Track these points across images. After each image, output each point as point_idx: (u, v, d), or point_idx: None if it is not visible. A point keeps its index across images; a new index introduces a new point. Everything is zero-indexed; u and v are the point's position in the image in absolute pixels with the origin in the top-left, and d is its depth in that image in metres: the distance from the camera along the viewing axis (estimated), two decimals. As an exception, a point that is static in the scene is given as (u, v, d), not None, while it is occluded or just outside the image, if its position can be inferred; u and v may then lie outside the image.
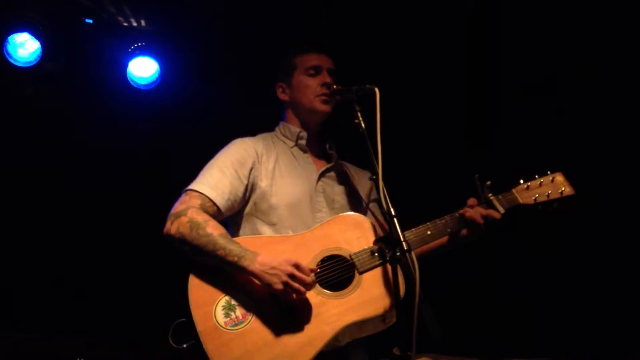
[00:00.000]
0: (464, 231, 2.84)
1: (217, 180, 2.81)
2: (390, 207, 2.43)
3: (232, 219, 2.92)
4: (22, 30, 4.03)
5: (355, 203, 3.05)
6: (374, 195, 3.14)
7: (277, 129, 3.21)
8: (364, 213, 3.03)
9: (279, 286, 2.50)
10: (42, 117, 4.41)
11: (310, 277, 2.55)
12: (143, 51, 4.27)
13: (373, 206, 3.10)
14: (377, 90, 2.57)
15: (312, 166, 3.06)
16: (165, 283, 3.03)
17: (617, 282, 4.37)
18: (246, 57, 4.46)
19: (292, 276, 2.51)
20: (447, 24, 4.32)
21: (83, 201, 4.49)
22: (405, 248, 2.32)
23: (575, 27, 4.20)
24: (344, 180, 3.09)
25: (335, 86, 2.96)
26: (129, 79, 4.29)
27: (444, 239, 2.88)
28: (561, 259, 4.52)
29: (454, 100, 4.57)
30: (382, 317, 2.62)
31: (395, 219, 2.41)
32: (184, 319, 2.55)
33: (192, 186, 2.81)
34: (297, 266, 2.53)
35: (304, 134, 3.09)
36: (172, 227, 2.67)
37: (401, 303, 2.47)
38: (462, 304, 4.45)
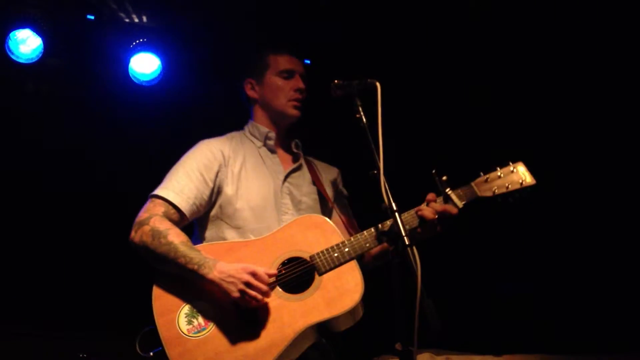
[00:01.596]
0: (418, 229, 2.76)
1: (182, 185, 2.81)
2: (392, 201, 2.41)
3: (198, 221, 2.92)
4: (24, 27, 4.04)
5: (322, 203, 3.05)
6: (341, 191, 3.16)
7: (246, 127, 3.17)
8: (332, 212, 3.04)
9: (236, 294, 2.53)
10: (44, 113, 4.41)
11: (266, 287, 2.55)
12: (145, 47, 4.28)
13: (340, 202, 3.11)
14: (378, 84, 2.56)
15: (279, 167, 3.05)
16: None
17: (614, 278, 4.38)
18: (247, 53, 4.45)
19: (248, 284, 2.53)
20: (447, 22, 4.33)
21: (85, 198, 4.49)
22: (407, 243, 2.30)
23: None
24: (311, 180, 3.09)
25: (336, 81, 2.94)
26: (130, 75, 4.30)
27: None
28: (559, 256, 4.54)
29: (452, 95, 4.58)
30: (348, 314, 2.62)
31: (396, 214, 2.40)
32: (151, 327, 2.60)
33: (157, 191, 2.81)
34: (253, 274, 2.55)
35: (272, 134, 3.07)
36: (136, 235, 2.69)
37: (361, 301, 2.58)
38: (462, 299, 4.46)
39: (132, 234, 2.71)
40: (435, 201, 2.76)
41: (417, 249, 2.29)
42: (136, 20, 4.33)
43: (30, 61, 4.11)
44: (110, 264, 4.44)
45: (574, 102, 4.50)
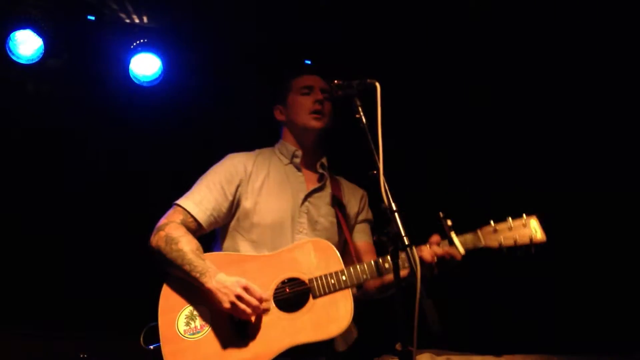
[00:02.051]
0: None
1: (202, 196, 2.96)
2: (392, 202, 2.41)
3: (218, 231, 3.08)
4: (24, 28, 4.04)
5: (339, 226, 3.11)
6: (362, 216, 3.22)
7: (276, 145, 3.29)
8: (344, 238, 3.09)
9: (227, 305, 2.67)
10: (45, 114, 4.41)
11: (256, 302, 2.67)
12: (145, 48, 4.28)
13: (361, 227, 3.20)
14: (378, 85, 2.56)
15: (302, 185, 3.13)
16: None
17: (615, 277, 4.38)
18: (248, 53, 4.47)
19: (239, 297, 2.66)
20: (447, 22, 4.33)
21: (86, 198, 4.50)
22: (407, 243, 2.31)
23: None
24: (332, 201, 3.16)
25: (336, 81, 2.94)
26: (131, 75, 4.30)
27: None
28: (559, 255, 4.53)
29: (452, 95, 4.58)
30: (337, 339, 2.79)
31: (396, 214, 2.40)
32: (155, 323, 2.76)
33: (179, 201, 2.97)
34: (246, 288, 2.68)
35: (299, 152, 3.17)
36: (153, 239, 2.86)
37: (347, 330, 2.71)
38: (462, 300, 4.46)
39: (151, 238, 2.88)
40: (438, 244, 2.81)
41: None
42: (137, 20, 4.33)
43: (30, 62, 4.11)
44: (110, 265, 4.45)
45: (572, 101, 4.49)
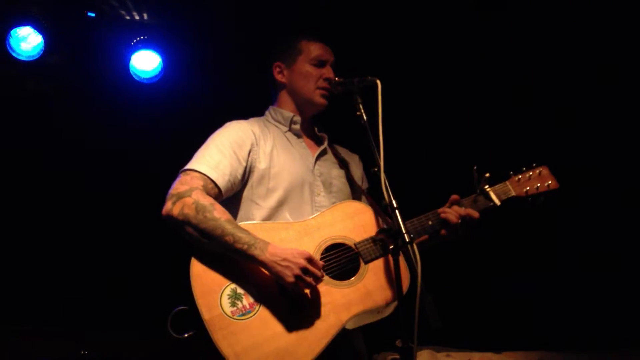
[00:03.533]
0: (442, 231, 2.79)
1: (217, 160, 2.70)
2: (392, 198, 2.42)
3: (227, 200, 2.78)
4: (24, 24, 4.03)
5: (352, 187, 3.02)
6: (365, 184, 3.12)
7: (267, 113, 3.11)
8: (359, 197, 3.01)
9: (291, 279, 2.44)
10: (44, 111, 4.41)
11: (321, 272, 2.49)
12: (145, 44, 4.28)
13: (365, 187, 3.08)
14: (378, 82, 2.56)
15: (306, 150, 3.00)
16: (166, 273, 3.02)
17: (615, 274, 4.39)
18: (248, 50, 4.46)
19: (304, 269, 2.44)
20: (448, 18, 4.32)
21: (84, 195, 4.50)
22: (407, 240, 2.30)
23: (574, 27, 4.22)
24: (339, 163, 3.06)
25: (336, 78, 2.93)
26: (131, 72, 4.30)
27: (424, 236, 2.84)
28: (560, 253, 4.54)
29: (454, 94, 4.58)
30: (384, 307, 2.61)
31: (397, 211, 2.40)
32: (183, 307, 2.48)
33: (192, 166, 2.69)
34: (309, 259, 2.47)
35: (297, 118, 3.02)
36: (175, 208, 2.54)
37: (404, 295, 2.46)
38: (462, 297, 4.46)
39: (169, 205, 2.55)
40: (459, 203, 2.80)
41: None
42: (137, 17, 4.32)
43: (31, 58, 4.10)
44: (112, 262, 4.45)
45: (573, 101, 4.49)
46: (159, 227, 2.71)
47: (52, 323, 4.20)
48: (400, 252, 2.36)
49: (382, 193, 2.42)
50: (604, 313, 4.37)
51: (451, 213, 2.76)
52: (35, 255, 4.41)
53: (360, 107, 2.65)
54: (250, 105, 3.24)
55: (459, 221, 2.74)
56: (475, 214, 2.79)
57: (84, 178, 4.49)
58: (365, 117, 2.61)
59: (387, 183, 2.43)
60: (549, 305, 4.53)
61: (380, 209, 2.76)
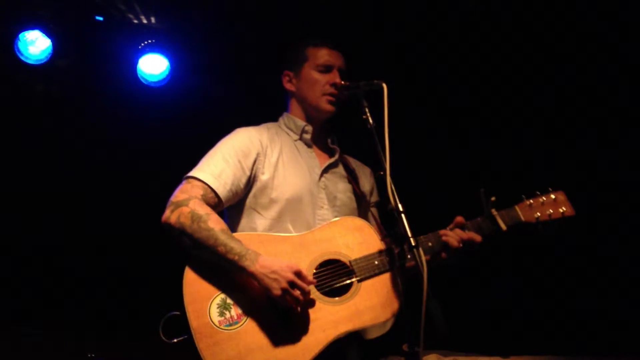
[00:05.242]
0: (442, 254, 2.74)
1: (220, 169, 2.72)
2: (398, 203, 2.41)
3: (231, 210, 2.84)
4: (33, 28, 4.06)
5: (358, 202, 2.99)
6: (374, 197, 3.10)
7: (280, 119, 3.12)
8: (365, 213, 2.99)
9: (278, 292, 2.45)
10: (52, 114, 4.43)
11: (308, 288, 2.49)
12: (153, 48, 4.29)
13: (373, 209, 3.06)
14: (384, 85, 2.55)
15: (315, 161, 2.98)
16: (178, 276, 3.02)
17: (625, 278, 4.36)
18: (254, 55, 4.47)
19: (292, 283, 2.45)
20: (449, 21, 4.32)
21: (93, 198, 4.51)
22: (413, 244, 2.30)
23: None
24: (347, 177, 3.03)
25: (343, 82, 2.92)
26: (139, 76, 4.31)
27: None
28: (568, 256, 4.52)
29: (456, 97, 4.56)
30: (381, 325, 2.60)
31: (402, 215, 2.39)
32: (176, 312, 2.50)
33: (195, 173, 2.72)
34: (298, 274, 2.48)
35: (309, 127, 3.01)
36: (172, 215, 2.59)
37: (399, 314, 2.53)
38: (469, 301, 4.45)
39: (167, 213, 2.60)
40: (462, 227, 2.74)
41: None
42: (144, 21, 4.34)
43: (39, 62, 4.12)
44: (118, 264, 4.46)
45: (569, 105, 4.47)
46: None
47: (59, 326, 4.21)
48: (397, 271, 2.37)
49: (388, 197, 2.41)
50: (613, 317, 4.34)
51: (452, 236, 2.71)
52: (41, 258, 4.42)
53: (367, 110, 2.64)
54: (259, 108, 3.25)
55: (460, 245, 2.70)
56: (478, 239, 2.73)
57: (91, 181, 4.49)
58: (371, 121, 2.60)
59: (393, 187, 2.43)
60: (557, 309, 4.51)
61: (387, 214, 2.69)
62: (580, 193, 2.94)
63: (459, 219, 2.77)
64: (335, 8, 4.22)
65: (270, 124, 3.08)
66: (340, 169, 3.05)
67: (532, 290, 4.55)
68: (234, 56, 4.55)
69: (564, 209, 2.80)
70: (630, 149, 4.31)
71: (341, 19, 4.24)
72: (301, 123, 3.03)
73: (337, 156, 3.05)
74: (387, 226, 2.66)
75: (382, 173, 2.45)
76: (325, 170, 2.97)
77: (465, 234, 2.72)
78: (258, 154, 2.84)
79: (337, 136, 3.13)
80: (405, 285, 2.54)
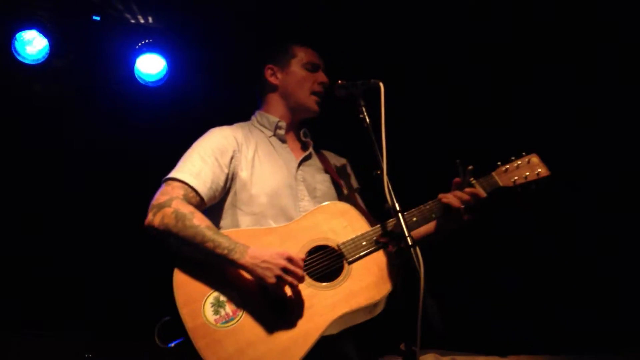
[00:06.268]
0: (443, 219, 2.76)
1: (198, 168, 2.72)
2: (395, 202, 2.41)
3: (212, 209, 2.81)
4: (30, 28, 4.06)
5: (337, 190, 2.99)
6: (355, 184, 3.11)
7: (253, 118, 3.13)
8: (348, 200, 2.97)
9: (272, 280, 2.44)
10: (50, 114, 4.43)
11: (302, 272, 2.49)
12: (150, 48, 4.29)
13: (357, 195, 3.05)
14: (381, 84, 2.56)
15: (290, 155, 2.99)
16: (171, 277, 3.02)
17: (624, 277, 4.37)
18: (253, 53, 4.46)
19: (285, 269, 2.45)
20: (448, 20, 4.32)
21: (90, 198, 4.51)
22: (410, 243, 2.30)
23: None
24: (323, 167, 3.05)
25: (339, 81, 2.92)
26: (136, 75, 4.32)
27: (431, 226, 2.82)
28: (566, 255, 4.53)
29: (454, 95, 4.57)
30: (373, 306, 2.58)
31: (399, 214, 2.39)
32: (169, 317, 2.49)
33: (173, 174, 2.72)
34: (289, 259, 2.47)
35: (282, 123, 3.03)
36: (155, 218, 2.58)
37: (394, 290, 2.52)
38: (466, 301, 4.45)
39: (150, 217, 2.60)
40: (460, 187, 2.73)
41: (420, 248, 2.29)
42: (142, 21, 4.34)
43: (36, 62, 4.12)
44: (116, 264, 4.46)
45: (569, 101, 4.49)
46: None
47: (57, 326, 4.20)
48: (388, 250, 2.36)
49: (385, 196, 2.41)
50: (610, 315, 4.35)
51: (454, 197, 2.70)
52: (39, 259, 4.42)
53: (363, 109, 2.64)
54: (255, 108, 3.24)
55: (462, 206, 2.69)
56: (482, 194, 2.74)
57: (88, 181, 4.50)
58: (368, 120, 2.60)
59: (390, 186, 2.43)
60: (554, 309, 4.51)
61: (366, 212, 2.82)
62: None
63: (457, 180, 2.76)
64: (335, 8, 4.22)
65: (242, 123, 3.09)
66: (315, 160, 3.07)
67: (530, 290, 4.56)
68: (232, 56, 4.55)
69: (540, 170, 2.84)
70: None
71: (340, 19, 4.25)
72: (274, 119, 3.04)
73: (310, 149, 3.07)
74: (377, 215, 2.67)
75: (379, 172, 2.46)
76: (301, 163, 2.99)
77: (465, 194, 2.71)
78: (234, 152, 2.85)
79: (311, 131, 3.13)
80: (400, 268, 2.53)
